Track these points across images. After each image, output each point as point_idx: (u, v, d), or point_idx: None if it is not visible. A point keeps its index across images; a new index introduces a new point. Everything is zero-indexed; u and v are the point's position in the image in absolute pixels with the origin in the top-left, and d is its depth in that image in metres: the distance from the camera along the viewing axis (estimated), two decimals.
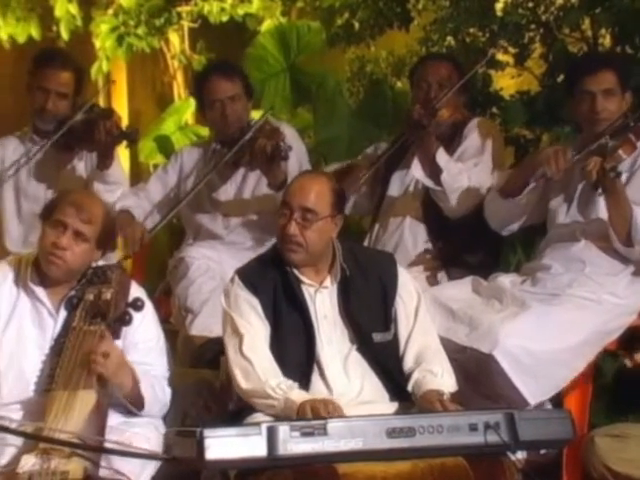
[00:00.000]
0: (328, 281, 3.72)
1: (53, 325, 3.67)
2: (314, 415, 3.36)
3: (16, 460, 3.40)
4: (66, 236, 3.63)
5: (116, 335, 3.66)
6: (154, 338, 3.77)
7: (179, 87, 6.26)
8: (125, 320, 3.65)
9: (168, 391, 3.77)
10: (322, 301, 3.69)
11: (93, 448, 3.38)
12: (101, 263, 3.80)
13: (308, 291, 3.68)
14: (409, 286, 3.79)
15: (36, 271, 3.71)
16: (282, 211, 3.68)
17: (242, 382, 3.56)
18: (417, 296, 3.79)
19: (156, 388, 3.69)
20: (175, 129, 6.00)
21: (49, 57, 4.82)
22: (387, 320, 3.69)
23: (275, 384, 3.51)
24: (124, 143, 4.73)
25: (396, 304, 3.72)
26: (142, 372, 3.67)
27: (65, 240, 3.63)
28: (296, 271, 3.67)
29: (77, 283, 3.71)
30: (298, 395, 3.49)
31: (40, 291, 3.69)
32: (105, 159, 4.66)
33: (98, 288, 3.70)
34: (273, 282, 3.64)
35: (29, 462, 3.34)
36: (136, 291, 3.76)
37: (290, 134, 4.79)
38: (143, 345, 3.72)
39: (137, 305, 3.67)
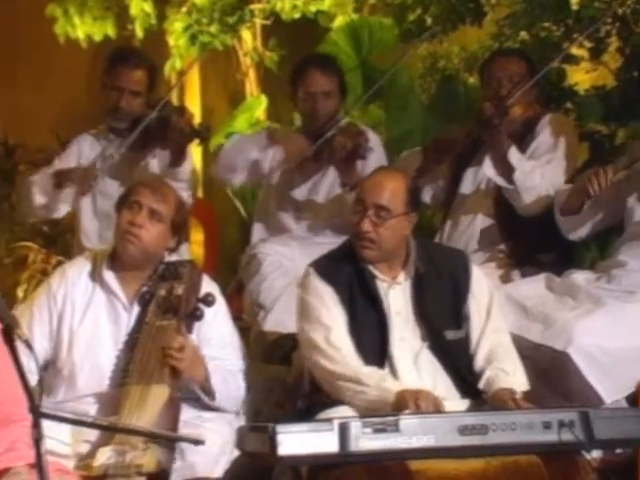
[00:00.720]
0: (401, 277, 3.72)
1: (127, 319, 3.72)
2: (418, 406, 3.37)
3: (92, 454, 3.45)
4: (142, 215, 3.70)
5: (188, 330, 3.71)
6: (228, 333, 3.80)
7: (251, 84, 6.29)
8: (196, 315, 3.69)
9: (242, 386, 3.79)
10: (395, 297, 3.69)
11: (168, 437, 3.43)
12: (173, 259, 3.85)
13: (382, 286, 3.69)
14: (482, 284, 3.77)
15: (111, 264, 3.76)
16: (356, 208, 3.69)
17: (330, 366, 3.55)
18: (489, 294, 3.77)
19: (230, 383, 3.71)
20: (247, 126, 6.04)
21: (123, 56, 4.86)
22: (459, 318, 3.68)
23: (369, 371, 3.52)
24: (196, 141, 4.77)
25: (468, 302, 3.71)
26: (216, 366, 3.69)
27: (140, 218, 3.69)
28: (370, 266, 3.68)
29: (149, 278, 3.76)
30: (394, 384, 3.49)
31: (115, 284, 3.74)
32: (178, 157, 4.69)
33: (170, 283, 3.74)
34: (348, 276, 3.66)
35: (105, 455, 3.39)
36: (208, 286, 3.80)
37: (374, 140, 4.80)
38: (217, 341, 3.75)
39: (208, 300, 3.71)
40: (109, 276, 3.74)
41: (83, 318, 3.71)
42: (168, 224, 3.75)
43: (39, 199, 4.76)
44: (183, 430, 3.54)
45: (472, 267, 3.78)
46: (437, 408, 3.41)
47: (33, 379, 2.66)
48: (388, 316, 3.64)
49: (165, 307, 3.70)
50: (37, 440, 2.53)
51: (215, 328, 3.76)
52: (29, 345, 2.64)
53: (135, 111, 4.76)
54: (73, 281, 3.74)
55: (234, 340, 3.84)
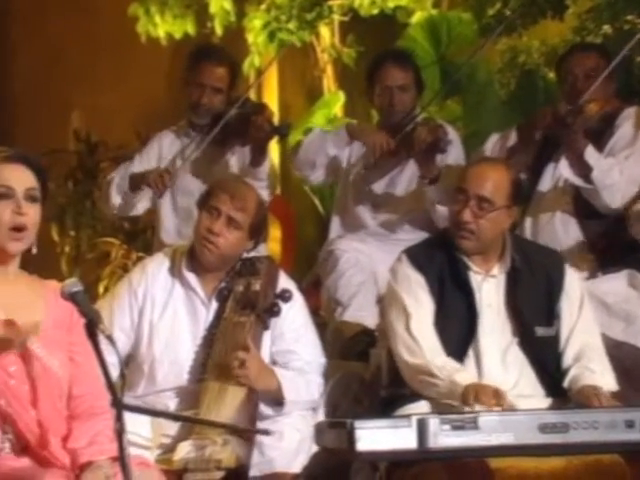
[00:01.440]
0: (496, 270, 3.69)
1: (206, 314, 3.74)
2: (477, 400, 3.35)
3: (172, 448, 3.49)
4: (219, 222, 3.70)
5: (265, 326, 3.72)
6: (301, 327, 3.79)
7: (329, 80, 6.29)
8: (273, 311, 3.70)
9: (316, 385, 3.77)
10: (488, 290, 3.66)
11: (248, 431, 3.45)
12: (251, 255, 3.86)
13: (475, 278, 3.67)
14: (575, 284, 3.74)
15: (190, 260, 3.79)
16: (457, 197, 3.67)
17: (408, 357, 3.55)
18: (581, 294, 3.74)
19: (300, 388, 3.69)
20: (324, 122, 6.04)
21: (205, 53, 4.89)
22: (551, 315, 3.65)
23: (441, 364, 3.50)
24: (275, 138, 4.78)
25: (561, 300, 3.68)
26: (287, 375, 3.69)
27: (218, 226, 3.70)
28: (465, 257, 3.66)
29: (226, 275, 3.77)
30: (463, 378, 3.48)
31: (193, 280, 3.76)
32: (259, 156, 4.70)
33: (247, 279, 3.76)
34: (440, 265, 3.64)
35: (184, 450, 3.42)
36: (285, 282, 3.80)
37: (453, 134, 4.77)
38: (289, 334, 3.75)
39: (285, 296, 3.72)
40: (188, 273, 3.77)
41: (163, 313, 3.74)
42: (246, 230, 3.75)
43: (116, 199, 4.82)
44: (261, 426, 3.55)
45: (566, 266, 3.76)
46: (499, 403, 3.38)
47: (115, 373, 2.68)
48: (479, 309, 3.62)
49: (243, 303, 3.71)
50: (119, 433, 2.56)
51: (289, 322, 3.76)
52: (111, 340, 2.67)
53: (216, 108, 4.79)
54: (153, 276, 3.77)
55: (309, 334, 3.83)
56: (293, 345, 3.75)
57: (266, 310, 3.71)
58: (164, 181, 4.69)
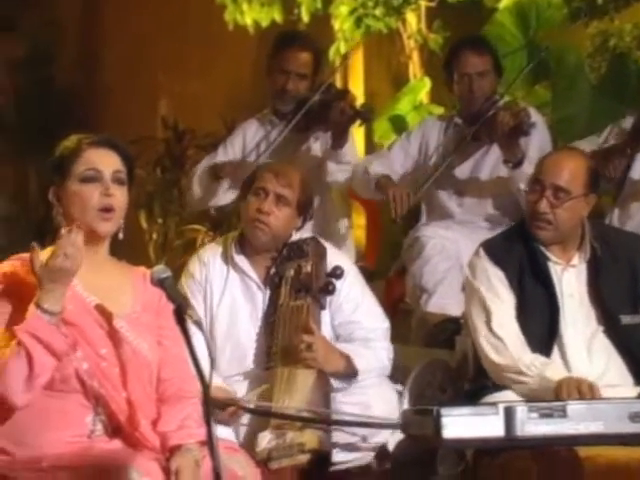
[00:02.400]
0: (576, 260, 3.65)
1: (262, 298, 3.76)
2: (571, 395, 3.32)
3: (251, 439, 3.50)
4: (268, 201, 3.73)
5: (322, 306, 3.72)
6: (358, 296, 3.78)
7: (414, 67, 6.26)
8: (329, 290, 3.70)
9: (384, 351, 3.75)
10: (569, 280, 3.62)
11: (326, 421, 3.45)
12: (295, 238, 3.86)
13: (555, 269, 3.63)
14: None
15: (240, 245, 3.81)
16: (533, 187, 3.63)
17: (494, 356, 3.53)
18: None
19: (370, 358, 3.69)
20: (410, 109, 6.02)
21: (289, 39, 4.91)
22: (636, 302, 3.60)
23: (529, 361, 3.47)
24: (358, 122, 4.78)
25: None
26: (353, 349, 3.68)
27: (267, 205, 3.72)
28: (543, 248, 3.62)
29: (274, 261, 3.77)
30: (554, 373, 3.45)
31: (245, 264, 3.79)
32: (339, 138, 4.71)
33: (297, 262, 3.75)
34: (519, 257, 3.61)
35: (265, 439, 3.43)
36: (334, 258, 3.80)
37: (536, 117, 4.72)
38: (347, 305, 3.75)
39: (337, 273, 3.72)
40: (239, 258, 3.80)
41: (221, 300, 3.77)
42: (294, 206, 3.76)
43: (197, 190, 4.88)
44: (346, 399, 3.56)
45: None
46: (594, 397, 3.34)
47: (204, 359, 2.70)
48: (560, 299, 3.58)
49: (297, 286, 3.71)
50: (208, 418, 2.58)
51: (345, 293, 3.75)
52: (199, 325, 2.70)
53: (301, 94, 4.80)
54: (209, 265, 3.81)
55: (367, 302, 3.81)
56: (353, 315, 3.74)
57: (321, 290, 3.71)
58: (239, 172, 4.71)
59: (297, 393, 3.52)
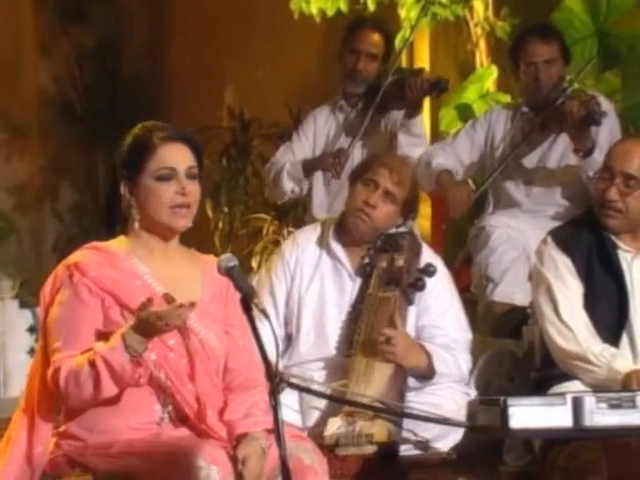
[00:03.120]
0: None
1: (352, 287, 3.76)
2: (637, 386, 3.28)
3: (322, 423, 3.51)
4: (376, 195, 3.74)
5: (409, 301, 3.71)
6: (446, 302, 3.77)
7: (481, 55, 6.20)
8: (418, 286, 3.70)
9: (464, 361, 3.75)
10: (639, 268, 3.58)
11: (405, 414, 3.45)
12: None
13: (624, 257, 3.59)
14: None
15: (338, 232, 3.82)
16: (603, 175, 3.60)
17: (562, 344, 3.50)
18: None
19: (449, 362, 3.68)
20: (476, 97, 5.96)
21: (360, 21, 4.99)
22: None
23: (598, 351, 3.44)
24: (435, 94, 4.75)
25: None
26: (435, 350, 3.67)
27: (375, 198, 3.73)
28: (613, 236, 3.59)
29: (369, 251, 3.78)
30: (623, 365, 3.41)
31: (340, 251, 3.79)
32: (413, 109, 4.70)
33: (390, 255, 3.76)
34: (587, 245, 3.58)
35: (335, 425, 3.44)
36: (429, 257, 3.79)
37: (606, 105, 4.66)
38: (435, 308, 3.74)
39: (429, 271, 3.71)
40: (335, 245, 3.80)
41: (310, 284, 3.78)
42: (400, 204, 3.77)
43: (288, 185, 4.89)
44: (417, 398, 3.56)
45: None
46: None
47: (270, 347, 2.71)
48: (630, 288, 3.54)
49: (387, 278, 3.72)
50: (275, 406, 2.59)
51: (434, 296, 3.74)
52: (266, 314, 2.70)
53: (371, 76, 4.81)
54: (303, 247, 3.82)
55: (455, 310, 3.80)
56: (438, 320, 3.73)
57: (410, 285, 3.71)
58: (341, 162, 4.72)
59: (373, 385, 3.53)
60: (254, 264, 6.47)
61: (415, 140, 4.74)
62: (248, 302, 2.69)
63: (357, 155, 4.86)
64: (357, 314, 3.70)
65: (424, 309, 3.74)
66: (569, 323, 3.51)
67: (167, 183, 2.85)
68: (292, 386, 3.38)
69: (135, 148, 2.88)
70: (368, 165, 3.83)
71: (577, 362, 3.47)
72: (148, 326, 2.69)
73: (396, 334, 3.56)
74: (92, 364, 2.71)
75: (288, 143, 5.02)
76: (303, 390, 3.53)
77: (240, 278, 2.75)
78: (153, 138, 2.87)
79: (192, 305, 2.69)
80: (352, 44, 4.83)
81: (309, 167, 4.85)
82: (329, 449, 3.38)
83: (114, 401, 2.79)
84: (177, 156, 2.87)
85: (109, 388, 2.72)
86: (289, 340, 3.77)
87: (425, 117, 5.25)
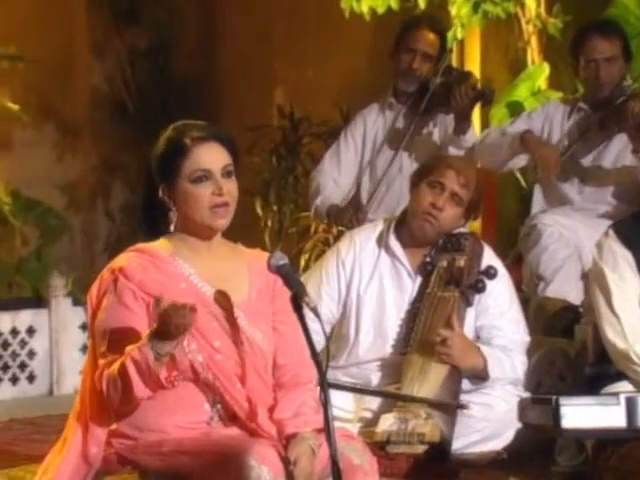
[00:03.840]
0: None
1: (411, 287, 3.73)
2: None
3: (374, 420, 3.49)
4: (443, 197, 3.72)
5: (468, 302, 3.69)
6: (506, 303, 3.75)
7: (533, 52, 6.15)
8: (478, 288, 3.67)
9: (520, 363, 3.72)
10: None
11: (448, 409, 3.42)
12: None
13: None
14: None
15: (398, 232, 3.80)
16: None
17: (613, 337, 3.45)
18: None
19: (505, 364, 3.65)
20: (528, 95, 5.91)
21: (418, 19, 4.98)
22: None
23: None
24: (479, 104, 4.72)
25: None
26: (492, 352, 3.64)
27: (442, 201, 3.72)
28: None
29: (430, 250, 3.76)
30: None
31: (399, 251, 3.77)
32: (462, 123, 4.67)
33: (451, 255, 3.75)
34: None
35: (387, 422, 3.43)
36: (490, 259, 3.77)
37: None
38: (494, 309, 3.72)
39: (490, 273, 3.68)
40: (395, 245, 3.77)
41: (369, 284, 3.76)
42: (465, 206, 3.75)
43: (315, 214, 4.91)
44: (468, 398, 3.53)
45: None
46: None
47: (320, 346, 2.69)
48: None
49: (447, 278, 3.71)
50: (325, 405, 2.57)
51: (493, 297, 3.72)
52: (316, 312, 2.68)
53: (424, 75, 4.79)
54: (361, 246, 3.80)
55: (514, 311, 3.78)
56: (497, 321, 3.70)
57: (470, 286, 3.69)
58: (359, 219, 4.70)
59: (427, 385, 3.52)
60: (303, 262, 6.46)
61: (466, 153, 4.69)
62: (298, 301, 2.67)
63: (406, 154, 4.83)
64: (415, 312, 3.69)
65: (483, 310, 3.72)
66: (620, 316, 3.45)
67: (203, 185, 2.83)
68: (333, 386, 3.36)
69: (168, 152, 2.86)
70: (433, 166, 3.80)
71: (621, 358, 3.42)
72: (163, 326, 2.66)
73: (452, 335, 3.54)
74: (123, 365, 2.70)
75: (335, 147, 5.01)
76: (346, 389, 3.51)
77: (290, 276, 2.73)
78: (185, 140, 2.84)
79: (193, 310, 2.64)
80: (408, 43, 4.81)
81: (330, 215, 4.83)
82: (379, 446, 3.37)
83: (163, 400, 2.78)
84: (211, 156, 2.85)
85: (140, 388, 2.70)
86: (345, 340, 3.75)
87: (475, 115, 5.20)
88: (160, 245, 2.88)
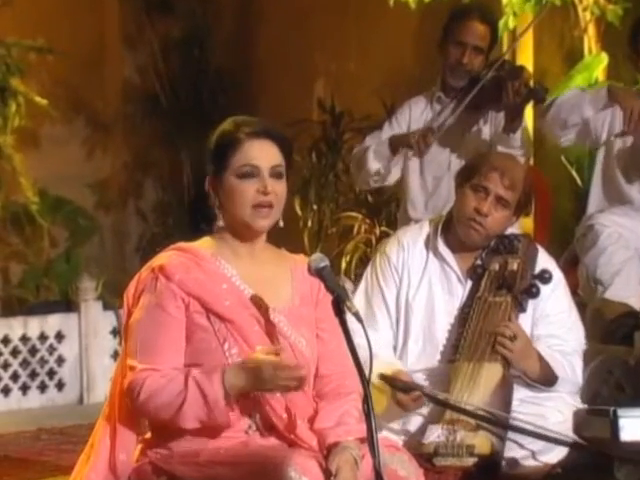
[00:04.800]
0: None
1: (462, 292, 3.72)
2: None
3: (421, 431, 3.49)
4: (488, 202, 3.69)
5: (521, 308, 3.68)
6: (566, 310, 3.74)
7: (590, 41, 6.12)
8: (532, 292, 3.65)
9: (580, 369, 3.71)
10: None
11: (502, 425, 3.41)
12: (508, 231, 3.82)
13: None
14: None
15: (446, 235, 3.78)
16: None
17: None
18: None
19: (566, 369, 3.64)
20: (585, 87, 5.90)
21: (467, 10, 4.91)
22: None
23: None
24: (531, 103, 4.71)
25: None
26: (552, 354, 3.63)
27: (487, 206, 3.68)
28: None
29: (482, 251, 3.76)
30: None
31: (449, 256, 3.76)
32: (513, 121, 4.65)
33: (504, 258, 3.73)
34: None
35: (434, 433, 3.42)
36: (545, 262, 3.75)
37: None
38: (554, 317, 3.70)
39: (544, 277, 3.66)
40: (444, 249, 3.77)
41: (418, 288, 3.76)
42: (513, 207, 3.73)
43: (374, 165, 4.87)
44: (520, 409, 3.52)
45: None
46: None
47: (363, 352, 2.70)
48: None
49: (498, 282, 3.69)
50: (368, 414, 2.57)
51: (552, 305, 3.70)
52: (359, 317, 2.69)
53: (474, 69, 4.77)
54: (409, 250, 3.79)
55: (573, 318, 3.76)
56: (557, 330, 3.69)
57: (523, 291, 3.67)
58: (428, 140, 4.69)
59: (478, 391, 3.50)
60: (344, 265, 6.47)
61: (516, 151, 4.67)
62: (340, 305, 2.68)
63: (455, 151, 4.82)
64: (465, 318, 3.68)
65: (542, 317, 3.70)
66: None
67: (249, 181, 2.86)
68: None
69: (221, 143, 2.89)
70: (476, 167, 3.77)
71: None
72: (253, 373, 2.69)
73: (520, 333, 3.54)
74: (183, 384, 2.72)
75: (378, 131, 5.00)
76: (433, 401, 3.51)
77: (331, 279, 2.75)
78: (239, 133, 2.88)
79: (302, 378, 2.68)
80: (457, 35, 4.79)
81: (395, 143, 4.80)
82: (426, 458, 3.37)
83: None
84: (262, 153, 2.87)
85: (190, 417, 2.72)
86: (394, 349, 3.76)
87: (528, 112, 5.19)
88: (202, 244, 2.91)
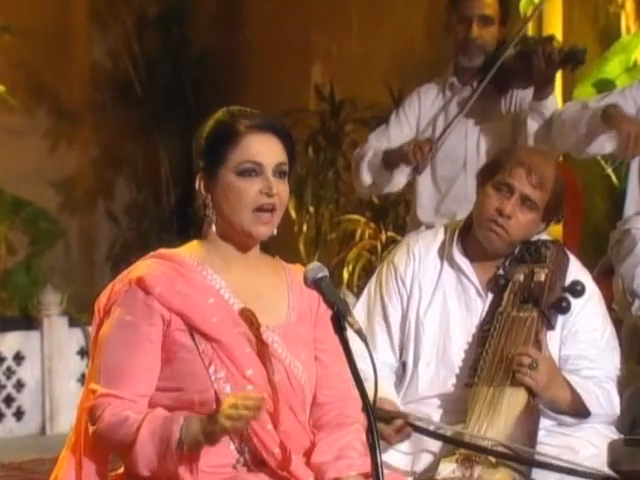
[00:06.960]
0: None
1: (481, 307, 3.72)
2: None
3: (434, 466, 3.50)
4: (512, 202, 3.66)
5: (549, 325, 3.67)
6: (599, 328, 3.72)
7: (628, 19, 6.16)
8: (561, 307, 3.64)
9: (616, 394, 3.71)
10: None
11: (523, 460, 3.41)
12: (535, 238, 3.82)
13: None
14: None
15: (463, 242, 3.77)
16: None
17: None
18: None
19: (601, 400, 3.64)
20: (621, 71, 5.91)
21: None
22: None
23: None
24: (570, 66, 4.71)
25: None
26: (579, 373, 3.64)
27: (510, 207, 3.65)
28: None
29: (505, 260, 3.74)
30: None
31: (467, 266, 3.75)
32: (544, 88, 4.66)
33: (530, 267, 3.72)
34: None
35: (448, 468, 3.42)
36: (576, 272, 3.74)
37: None
38: (584, 336, 3.69)
39: (576, 290, 3.65)
40: (460, 258, 3.76)
41: (430, 304, 3.74)
42: (541, 210, 3.70)
43: (367, 178, 4.91)
44: (547, 440, 3.52)
45: None
46: None
47: (368, 375, 2.70)
48: None
49: (523, 295, 3.67)
50: (373, 447, 2.58)
51: (583, 321, 3.69)
52: (361, 335, 2.69)
53: (488, 45, 4.78)
54: (420, 260, 3.78)
55: (606, 337, 3.76)
56: (588, 350, 3.68)
57: (552, 305, 3.66)
58: (424, 153, 4.70)
59: (498, 420, 3.49)
60: (346, 275, 6.48)
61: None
62: (341, 321, 2.68)
63: (472, 146, 4.83)
64: (485, 337, 3.66)
65: (571, 335, 3.69)
66: None
67: (251, 180, 2.84)
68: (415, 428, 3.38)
69: (216, 136, 2.87)
70: (500, 162, 3.74)
71: None
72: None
73: (543, 359, 3.54)
74: (138, 423, 2.72)
75: (384, 127, 5.01)
76: (421, 432, 3.52)
77: (331, 291, 2.74)
78: (238, 125, 2.86)
79: (259, 408, 2.66)
80: (460, 10, 4.83)
81: (389, 158, 4.83)
82: None
83: None
84: (265, 149, 2.86)
85: (145, 465, 2.74)
86: (403, 370, 3.75)
87: (557, 97, 5.20)
88: (187, 250, 2.90)
